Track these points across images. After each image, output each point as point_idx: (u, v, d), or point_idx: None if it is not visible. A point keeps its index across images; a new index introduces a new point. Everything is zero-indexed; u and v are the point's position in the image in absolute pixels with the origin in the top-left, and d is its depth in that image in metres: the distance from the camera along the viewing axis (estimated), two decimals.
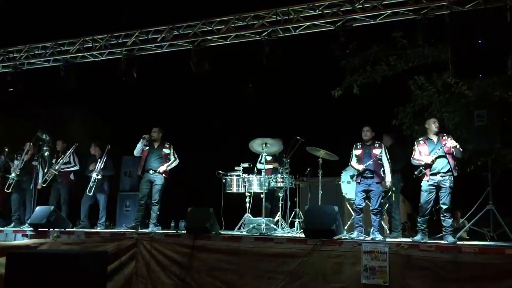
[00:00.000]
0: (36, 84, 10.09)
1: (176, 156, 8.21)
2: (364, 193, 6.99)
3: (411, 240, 6.47)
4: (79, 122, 10.52)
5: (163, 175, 8.06)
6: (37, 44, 9.69)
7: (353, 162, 7.16)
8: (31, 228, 7.99)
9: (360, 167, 6.98)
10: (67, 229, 8.01)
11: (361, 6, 7.59)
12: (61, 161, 8.85)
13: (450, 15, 6.91)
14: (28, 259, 6.24)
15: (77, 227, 8.56)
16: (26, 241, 7.84)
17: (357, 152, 7.16)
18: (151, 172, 8.04)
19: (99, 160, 8.75)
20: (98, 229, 8.37)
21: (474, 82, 8.31)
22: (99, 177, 8.62)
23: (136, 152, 8.20)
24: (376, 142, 7.16)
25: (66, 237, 7.67)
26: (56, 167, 8.78)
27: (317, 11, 7.83)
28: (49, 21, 10.18)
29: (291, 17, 7.98)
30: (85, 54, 9.40)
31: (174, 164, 8.19)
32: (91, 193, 8.61)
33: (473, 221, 6.92)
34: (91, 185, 8.59)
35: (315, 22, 7.91)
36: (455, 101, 8.71)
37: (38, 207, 8.23)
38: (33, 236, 7.85)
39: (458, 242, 6.18)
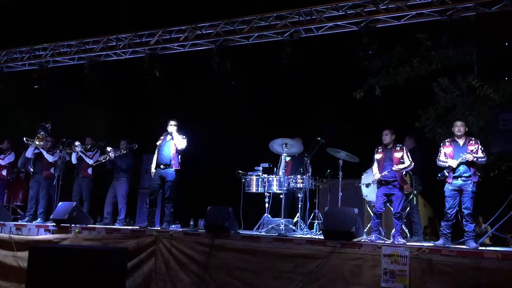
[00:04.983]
0: (61, 81, 10.27)
1: (185, 137, 7.99)
2: (385, 197, 6.90)
3: (432, 244, 6.38)
4: (104, 120, 10.66)
5: (174, 168, 7.90)
6: (63, 42, 9.87)
7: (374, 166, 7.08)
8: (54, 223, 8.12)
9: (377, 175, 6.92)
10: (88, 225, 8.12)
11: (385, 7, 7.53)
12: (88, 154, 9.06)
13: (476, 17, 6.81)
14: (49, 254, 6.36)
15: (100, 223, 8.65)
16: (48, 236, 7.94)
17: (377, 156, 7.05)
18: (161, 167, 7.92)
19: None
20: (118, 226, 8.47)
21: (500, 85, 8.17)
22: (112, 155, 8.70)
23: None
24: (398, 145, 7.02)
25: (88, 233, 7.76)
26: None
27: (340, 11, 7.81)
28: (74, 20, 10.35)
29: (314, 17, 7.96)
30: (109, 52, 9.54)
31: (182, 142, 7.95)
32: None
33: (496, 227, 6.79)
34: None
35: (338, 23, 7.89)
36: (479, 104, 8.57)
37: (60, 203, 8.34)
38: (55, 232, 7.97)
39: (480, 248, 6.08)
